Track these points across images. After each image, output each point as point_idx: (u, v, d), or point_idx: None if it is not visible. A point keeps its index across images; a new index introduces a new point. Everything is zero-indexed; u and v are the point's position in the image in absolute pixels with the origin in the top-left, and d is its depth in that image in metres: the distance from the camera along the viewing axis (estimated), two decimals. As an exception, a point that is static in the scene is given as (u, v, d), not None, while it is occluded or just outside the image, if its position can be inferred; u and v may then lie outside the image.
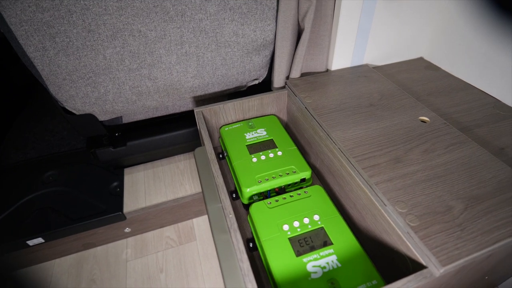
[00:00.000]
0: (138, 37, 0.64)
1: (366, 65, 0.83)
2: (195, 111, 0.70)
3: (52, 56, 0.62)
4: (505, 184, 0.50)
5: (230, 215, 0.49)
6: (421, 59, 0.91)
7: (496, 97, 0.73)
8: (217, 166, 0.58)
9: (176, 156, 1.06)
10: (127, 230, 0.93)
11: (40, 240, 0.84)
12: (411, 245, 0.44)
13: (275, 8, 0.69)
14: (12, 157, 1.06)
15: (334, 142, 0.60)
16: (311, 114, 0.67)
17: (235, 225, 0.48)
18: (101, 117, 0.79)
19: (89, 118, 0.78)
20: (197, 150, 0.67)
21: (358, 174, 0.54)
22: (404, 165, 0.54)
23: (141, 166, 1.02)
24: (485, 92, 0.75)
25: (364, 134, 0.60)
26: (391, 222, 0.47)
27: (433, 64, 0.88)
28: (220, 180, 0.55)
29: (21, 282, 0.87)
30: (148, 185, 0.96)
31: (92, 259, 0.91)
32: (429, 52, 0.89)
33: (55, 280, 0.87)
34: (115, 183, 0.96)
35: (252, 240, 0.56)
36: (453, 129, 0.60)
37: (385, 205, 0.48)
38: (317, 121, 0.65)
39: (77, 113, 0.75)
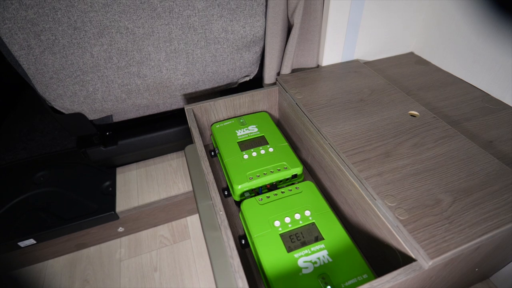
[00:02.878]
0: (126, 34, 0.64)
1: (356, 61, 0.83)
2: (185, 108, 0.70)
3: (38, 54, 0.61)
4: (493, 176, 0.50)
5: (221, 212, 0.49)
6: (411, 54, 0.91)
7: (485, 91, 0.74)
8: (207, 163, 0.57)
9: (168, 155, 1.05)
10: (121, 229, 0.93)
11: (31, 241, 0.83)
12: (400, 238, 0.44)
13: (264, 3, 0.69)
14: (3, 158, 1.04)
15: (324, 138, 0.60)
16: (301, 110, 0.67)
17: (226, 222, 0.48)
18: (91, 116, 0.78)
19: (79, 117, 0.77)
20: (188, 148, 0.67)
21: (348, 169, 0.54)
22: (393, 159, 0.54)
23: (134, 165, 1.02)
24: (474, 86, 0.76)
25: (354, 129, 0.61)
26: (381, 216, 0.47)
27: (423, 59, 0.88)
28: (210, 177, 0.55)
29: (14, 283, 0.86)
30: (141, 184, 0.96)
31: (85, 259, 0.91)
32: (419, 47, 0.89)
33: (48, 281, 0.86)
34: (108, 183, 0.95)
35: (244, 237, 0.56)
36: (443, 123, 0.61)
37: (375, 199, 0.49)
38: (307, 116, 0.65)
39: (66, 112, 0.74)
